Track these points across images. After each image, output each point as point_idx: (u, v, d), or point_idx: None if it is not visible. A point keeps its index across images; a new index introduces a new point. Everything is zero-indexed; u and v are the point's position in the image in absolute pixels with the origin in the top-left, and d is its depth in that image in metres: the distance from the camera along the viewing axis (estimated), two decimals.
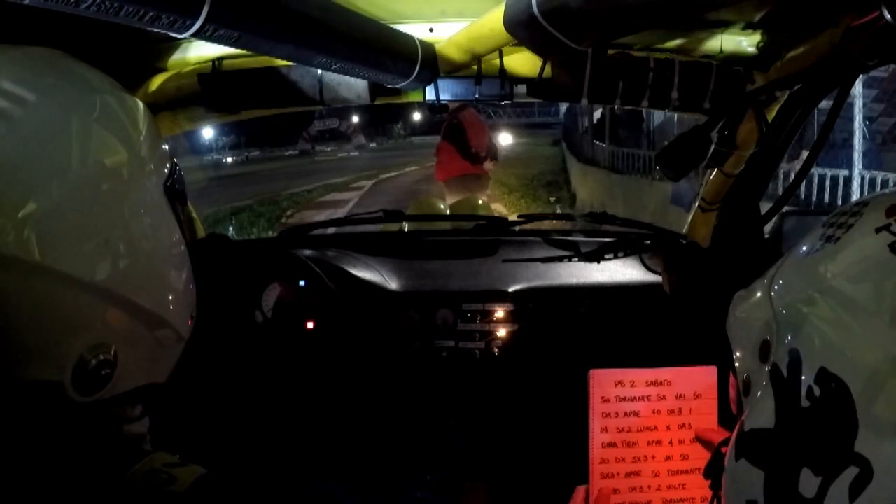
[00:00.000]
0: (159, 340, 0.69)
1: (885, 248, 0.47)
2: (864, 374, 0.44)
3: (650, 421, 0.97)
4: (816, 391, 0.46)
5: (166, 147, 0.75)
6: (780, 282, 0.58)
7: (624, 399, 0.97)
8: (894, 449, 0.41)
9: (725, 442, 0.65)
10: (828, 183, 6.50)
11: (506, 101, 1.30)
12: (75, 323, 0.59)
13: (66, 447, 0.59)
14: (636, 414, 0.96)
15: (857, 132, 6.38)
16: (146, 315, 0.66)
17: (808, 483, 0.46)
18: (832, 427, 0.45)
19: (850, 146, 6.44)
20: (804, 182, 5.02)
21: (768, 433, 0.52)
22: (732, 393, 0.66)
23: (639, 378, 0.97)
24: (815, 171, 6.29)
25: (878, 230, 0.49)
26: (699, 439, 0.94)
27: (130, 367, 0.65)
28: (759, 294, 0.60)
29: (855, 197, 5.96)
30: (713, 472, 0.75)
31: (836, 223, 0.55)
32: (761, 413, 0.54)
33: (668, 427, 0.97)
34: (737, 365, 0.62)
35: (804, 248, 0.57)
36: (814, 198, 6.56)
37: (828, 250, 0.53)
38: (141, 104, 0.73)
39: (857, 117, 6.39)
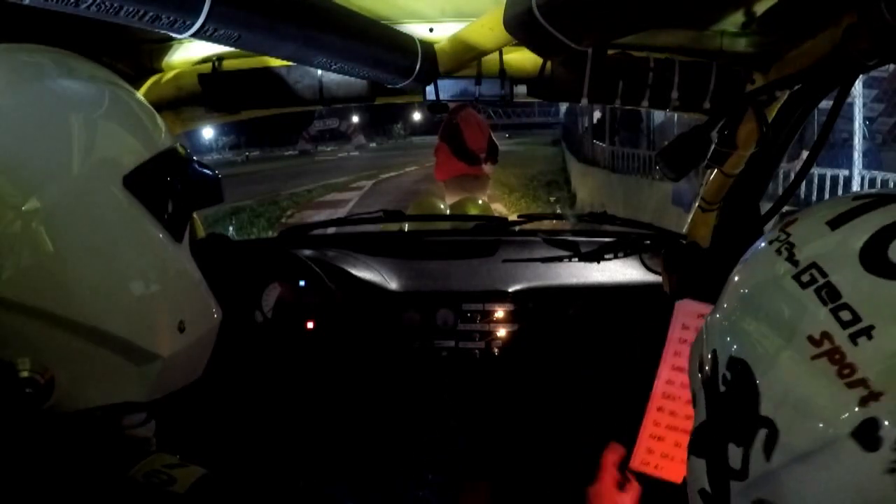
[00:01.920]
0: (124, 358, 0.64)
1: (773, 253, 0.56)
2: (757, 352, 0.53)
3: None
4: (729, 376, 0.56)
5: (154, 137, 0.68)
6: (715, 304, 0.66)
7: None
8: (789, 404, 0.49)
9: None
10: (828, 183, 6.49)
11: (505, 101, 1.30)
12: None
13: (57, 449, 0.58)
14: None
15: (857, 132, 6.37)
16: (85, 331, 0.60)
17: (735, 455, 0.53)
18: (741, 400, 0.53)
19: (850, 146, 6.43)
20: (804, 182, 5.02)
21: (703, 425, 0.60)
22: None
23: None
24: (815, 171, 6.27)
25: (770, 242, 0.58)
26: None
27: (81, 387, 0.61)
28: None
29: None
30: None
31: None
32: (699, 411, 0.62)
33: None
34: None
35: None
36: (814, 198, 6.54)
37: (741, 266, 0.63)
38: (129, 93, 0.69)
39: (857, 117, 6.37)
